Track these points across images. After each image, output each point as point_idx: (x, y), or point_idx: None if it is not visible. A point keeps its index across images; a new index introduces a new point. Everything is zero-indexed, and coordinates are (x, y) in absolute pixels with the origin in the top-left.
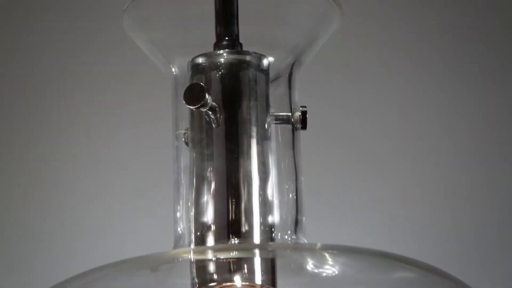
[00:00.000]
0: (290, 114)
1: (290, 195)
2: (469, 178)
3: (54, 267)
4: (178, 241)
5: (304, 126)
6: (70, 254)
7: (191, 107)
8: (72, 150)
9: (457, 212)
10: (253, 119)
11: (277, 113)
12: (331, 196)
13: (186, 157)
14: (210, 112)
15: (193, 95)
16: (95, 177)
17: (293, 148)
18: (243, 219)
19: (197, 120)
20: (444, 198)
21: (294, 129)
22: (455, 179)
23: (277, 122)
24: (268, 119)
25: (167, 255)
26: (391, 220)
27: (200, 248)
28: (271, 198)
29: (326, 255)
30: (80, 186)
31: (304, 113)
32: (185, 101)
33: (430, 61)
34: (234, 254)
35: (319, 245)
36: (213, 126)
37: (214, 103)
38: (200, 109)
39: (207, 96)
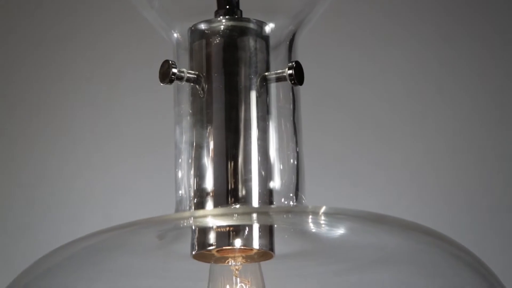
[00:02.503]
0: (284, 70)
1: (291, 160)
2: (473, 137)
3: (52, 232)
4: (179, 205)
5: (297, 81)
6: (69, 218)
7: (162, 83)
8: (71, 115)
9: (460, 173)
10: (253, 84)
11: (272, 72)
12: (333, 160)
13: (186, 122)
14: (196, 85)
15: (162, 72)
16: (94, 141)
17: (293, 112)
18: (242, 183)
19: (195, 87)
20: (448, 160)
21: (293, 91)
22: (458, 140)
23: (274, 81)
24: (265, 83)
25: (168, 219)
26: (393, 183)
27: (200, 212)
28: (271, 162)
29: (327, 218)
30: (79, 151)
31: (290, 68)
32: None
33: (430, 27)
34: (234, 217)
35: (319, 208)
36: (200, 96)
37: (191, 75)
38: (177, 82)
39: (174, 71)
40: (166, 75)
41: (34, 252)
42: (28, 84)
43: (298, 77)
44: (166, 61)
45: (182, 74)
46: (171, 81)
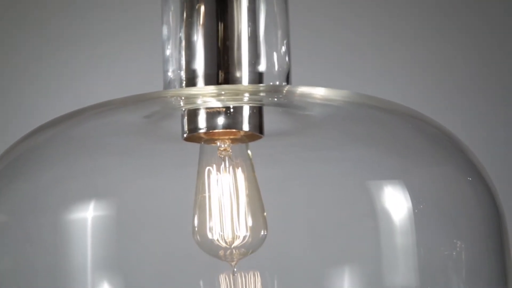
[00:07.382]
0: None
1: (283, 41)
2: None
3: (40, 108)
4: (166, 86)
5: None
6: (57, 95)
7: None
8: None
9: (448, 55)
10: None
11: None
12: (320, 42)
13: (176, 3)
14: None
15: None
16: (81, 16)
17: None
18: (233, 65)
19: None
20: (433, 40)
21: None
22: (446, 21)
23: None
24: None
25: (156, 96)
26: (381, 65)
27: (189, 89)
28: (262, 44)
29: (315, 99)
30: (66, 26)
31: None
32: None
33: None
34: (223, 93)
35: (308, 89)
36: None
37: None
38: None
39: None
40: None
41: (5, 128)
42: None
43: None
44: None
45: None
46: None
